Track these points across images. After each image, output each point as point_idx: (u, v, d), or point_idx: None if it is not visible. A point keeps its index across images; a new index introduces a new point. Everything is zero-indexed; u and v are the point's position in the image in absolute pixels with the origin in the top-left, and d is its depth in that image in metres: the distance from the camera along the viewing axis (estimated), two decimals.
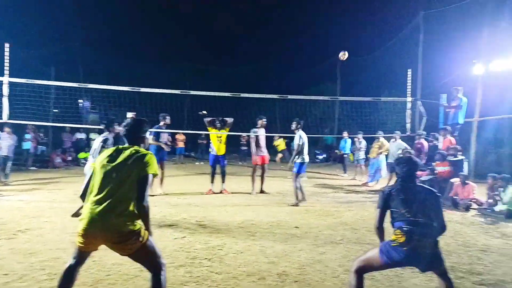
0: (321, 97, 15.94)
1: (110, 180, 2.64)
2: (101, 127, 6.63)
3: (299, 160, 7.78)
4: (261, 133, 9.32)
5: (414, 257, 2.80)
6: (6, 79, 8.38)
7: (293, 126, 8.10)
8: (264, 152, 9.31)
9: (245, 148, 17.78)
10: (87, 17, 24.85)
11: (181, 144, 17.99)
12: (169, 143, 9.32)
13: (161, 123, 8.82)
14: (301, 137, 7.82)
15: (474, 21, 13.32)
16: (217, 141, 9.10)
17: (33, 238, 4.91)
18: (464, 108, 10.05)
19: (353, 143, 13.68)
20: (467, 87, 10.84)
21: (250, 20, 35.21)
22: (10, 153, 10.42)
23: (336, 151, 17.27)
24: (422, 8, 14.70)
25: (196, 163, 17.87)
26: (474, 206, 7.71)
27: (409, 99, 10.84)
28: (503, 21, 12.38)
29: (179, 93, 10.00)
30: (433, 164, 9.01)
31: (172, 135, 15.73)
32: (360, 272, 2.96)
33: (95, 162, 2.85)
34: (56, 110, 15.00)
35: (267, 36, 31.66)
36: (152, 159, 2.78)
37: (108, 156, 2.78)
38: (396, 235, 2.84)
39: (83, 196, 3.32)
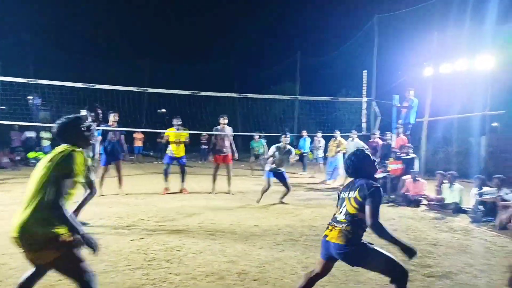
0: (280, 96, 16.12)
1: (33, 183, 2.49)
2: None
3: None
4: (226, 131, 9.11)
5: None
6: None
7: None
8: (228, 151, 9.06)
9: (205, 147, 17.60)
10: (40, 7, 23.52)
11: (139, 143, 17.52)
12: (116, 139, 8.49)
13: (110, 122, 8.38)
14: (274, 152, 7.78)
15: (424, 26, 14.06)
16: (176, 144, 8.86)
17: None
18: (415, 108, 10.57)
19: (312, 141, 13.97)
20: (418, 89, 11.38)
21: (212, 19, 35.08)
22: None
23: (296, 150, 17.51)
24: (376, 12, 15.24)
25: (155, 162, 17.46)
26: (425, 202, 8.11)
27: (364, 99, 11.23)
28: (450, 27, 13.15)
29: (136, 90, 9.74)
30: (387, 162, 9.39)
31: (130, 133, 15.25)
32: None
33: None
34: (3, 107, 14.08)
35: (229, 35, 31.71)
36: (71, 158, 2.47)
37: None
38: None
39: None
